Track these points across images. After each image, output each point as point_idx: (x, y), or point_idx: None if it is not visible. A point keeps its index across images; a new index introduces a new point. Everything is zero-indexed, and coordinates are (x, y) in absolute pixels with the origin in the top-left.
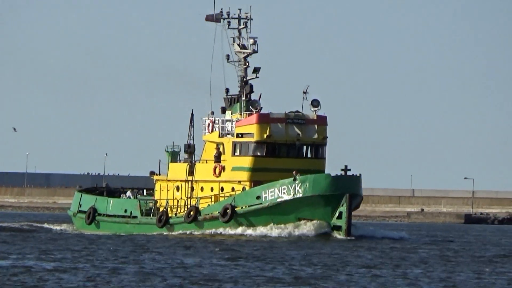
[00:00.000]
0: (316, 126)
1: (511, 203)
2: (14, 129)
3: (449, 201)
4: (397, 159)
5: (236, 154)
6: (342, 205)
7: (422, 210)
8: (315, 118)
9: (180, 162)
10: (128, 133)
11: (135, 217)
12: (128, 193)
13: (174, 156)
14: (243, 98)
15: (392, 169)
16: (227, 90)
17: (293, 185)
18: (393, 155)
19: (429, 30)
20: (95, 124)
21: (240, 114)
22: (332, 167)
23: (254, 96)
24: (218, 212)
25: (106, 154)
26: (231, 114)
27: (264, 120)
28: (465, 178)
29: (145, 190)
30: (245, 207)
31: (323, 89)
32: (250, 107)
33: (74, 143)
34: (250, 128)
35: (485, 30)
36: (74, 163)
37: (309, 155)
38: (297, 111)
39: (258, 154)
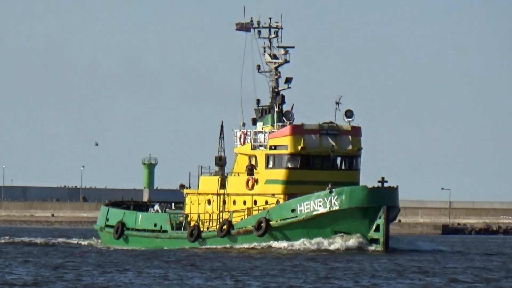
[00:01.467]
0: (350, 137)
1: (488, 213)
2: None
3: (426, 212)
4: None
5: (269, 166)
6: (380, 218)
7: (399, 221)
8: (349, 129)
9: (210, 175)
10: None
11: (165, 231)
12: (156, 206)
13: (150, 169)
14: (276, 109)
15: (367, 180)
16: (258, 101)
17: (329, 198)
18: (369, 165)
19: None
20: (73, 136)
21: (272, 126)
22: (363, 179)
23: (286, 107)
24: (252, 226)
25: (83, 166)
26: (263, 125)
27: (298, 131)
28: (442, 188)
29: (173, 204)
30: (280, 220)
31: (356, 99)
32: (284, 118)
33: (50, 155)
34: (283, 140)
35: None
36: (50, 176)
37: (343, 167)
38: (331, 122)
39: (292, 166)
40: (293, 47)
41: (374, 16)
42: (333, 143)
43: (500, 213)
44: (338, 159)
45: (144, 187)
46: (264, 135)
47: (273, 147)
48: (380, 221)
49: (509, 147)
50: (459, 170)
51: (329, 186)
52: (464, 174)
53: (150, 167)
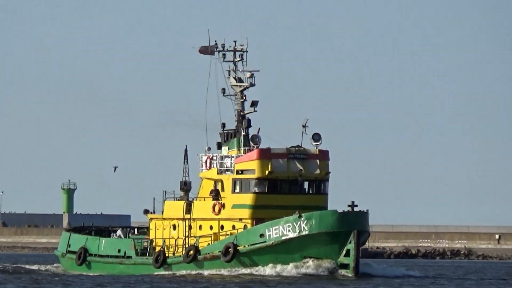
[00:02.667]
0: (318, 161)
1: (407, 237)
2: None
3: None
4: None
5: (236, 191)
6: (350, 242)
7: None
8: (317, 153)
9: (175, 199)
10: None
11: (129, 257)
12: (119, 232)
13: (69, 194)
14: (243, 133)
15: (332, 204)
16: (223, 125)
17: (299, 222)
18: (334, 189)
19: (424, 59)
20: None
21: (238, 150)
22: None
23: (252, 131)
24: (219, 252)
25: (2, 192)
26: (228, 149)
27: (265, 156)
28: None
29: (136, 229)
30: (248, 245)
31: (323, 122)
32: (251, 142)
33: None
34: (250, 164)
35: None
36: None
37: (311, 191)
38: (298, 146)
39: (260, 190)
40: (258, 70)
41: (340, 37)
42: (301, 167)
43: (419, 237)
44: (306, 183)
45: (64, 212)
46: (231, 160)
47: (240, 172)
48: (351, 245)
49: (428, 171)
50: (378, 194)
51: (297, 212)
52: (384, 197)
53: (69, 192)
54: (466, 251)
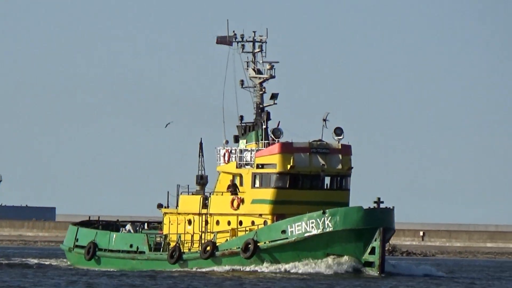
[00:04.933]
0: (340, 156)
1: None
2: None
3: None
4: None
5: (256, 186)
6: (375, 240)
7: None
8: (339, 147)
9: (189, 194)
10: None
11: (142, 252)
12: (128, 226)
13: None
14: (264, 126)
15: (353, 201)
16: (241, 118)
17: (323, 219)
18: (354, 185)
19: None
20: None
21: (256, 143)
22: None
23: (271, 124)
24: (237, 248)
25: None
26: (246, 143)
27: (287, 150)
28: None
29: (146, 224)
30: (269, 242)
31: (345, 116)
32: (271, 135)
33: None
34: (272, 158)
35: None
36: None
37: (333, 187)
38: (320, 140)
39: (281, 185)
40: (278, 62)
41: (363, 29)
42: (323, 162)
43: None
44: (327, 178)
45: None
46: (251, 153)
47: (260, 166)
48: (376, 243)
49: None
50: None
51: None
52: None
53: None
54: (390, 247)
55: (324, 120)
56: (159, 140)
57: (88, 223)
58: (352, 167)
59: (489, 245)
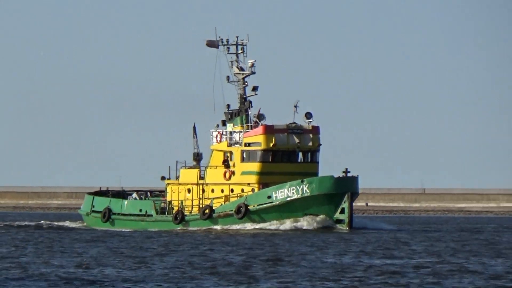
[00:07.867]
0: (311, 135)
1: None
2: None
3: None
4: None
5: (244, 160)
6: (345, 202)
7: None
8: (310, 128)
9: (186, 168)
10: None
11: (150, 215)
12: (134, 195)
13: None
14: (247, 113)
15: (321, 171)
16: (228, 106)
17: (301, 186)
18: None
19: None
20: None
21: (242, 126)
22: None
23: (253, 111)
24: (231, 210)
25: None
26: (233, 126)
27: (270, 131)
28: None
29: (149, 193)
30: (257, 205)
31: (314, 102)
32: (257, 119)
33: None
34: (257, 138)
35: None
36: None
37: (305, 160)
38: (295, 123)
39: (265, 160)
40: (255, 60)
41: (329, 27)
42: (298, 140)
43: None
44: (300, 153)
45: None
46: (239, 134)
47: (247, 144)
48: (345, 205)
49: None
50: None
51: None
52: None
53: None
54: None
55: (295, 106)
56: (160, 125)
57: (100, 193)
58: (321, 144)
59: (416, 205)
